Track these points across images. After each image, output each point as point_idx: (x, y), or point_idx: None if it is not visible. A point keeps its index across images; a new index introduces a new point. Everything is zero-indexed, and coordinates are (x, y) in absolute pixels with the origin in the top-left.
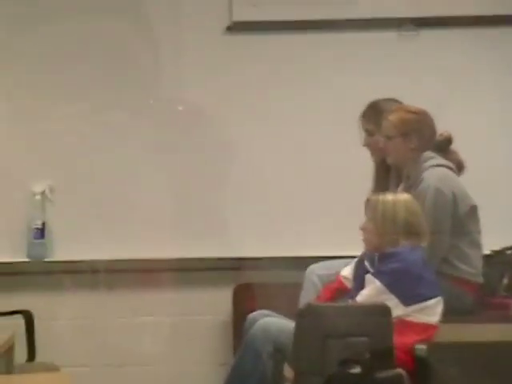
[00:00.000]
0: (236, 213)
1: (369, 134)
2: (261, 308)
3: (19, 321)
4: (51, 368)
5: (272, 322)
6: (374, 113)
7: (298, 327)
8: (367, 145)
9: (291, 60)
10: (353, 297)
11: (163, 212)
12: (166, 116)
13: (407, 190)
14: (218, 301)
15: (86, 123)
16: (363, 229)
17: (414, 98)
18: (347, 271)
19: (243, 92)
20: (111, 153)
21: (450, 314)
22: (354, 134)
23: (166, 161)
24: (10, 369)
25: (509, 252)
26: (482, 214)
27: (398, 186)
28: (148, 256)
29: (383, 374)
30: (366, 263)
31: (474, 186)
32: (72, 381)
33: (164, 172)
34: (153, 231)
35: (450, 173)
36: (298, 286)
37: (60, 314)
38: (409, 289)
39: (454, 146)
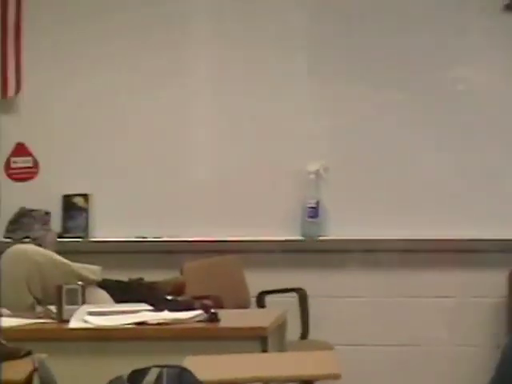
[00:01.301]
0: None
1: None
2: None
3: (293, 299)
4: (324, 346)
5: None
6: None
7: None
8: None
9: None
10: None
11: (448, 189)
12: (447, 96)
13: None
14: (493, 283)
15: (365, 103)
16: None
17: None
18: None
19: None
20: (390, 133)
21: None
22: None
23: (444, 140)
24: (282, 345)
25: None
26: None
27: None
28: (430, 236)
29: None
30: None
31: None
32: (344, 360)
33: (446, 151)
34: (436, 210)
35: None
36: None
37: (333, 293)
38: None
39: None
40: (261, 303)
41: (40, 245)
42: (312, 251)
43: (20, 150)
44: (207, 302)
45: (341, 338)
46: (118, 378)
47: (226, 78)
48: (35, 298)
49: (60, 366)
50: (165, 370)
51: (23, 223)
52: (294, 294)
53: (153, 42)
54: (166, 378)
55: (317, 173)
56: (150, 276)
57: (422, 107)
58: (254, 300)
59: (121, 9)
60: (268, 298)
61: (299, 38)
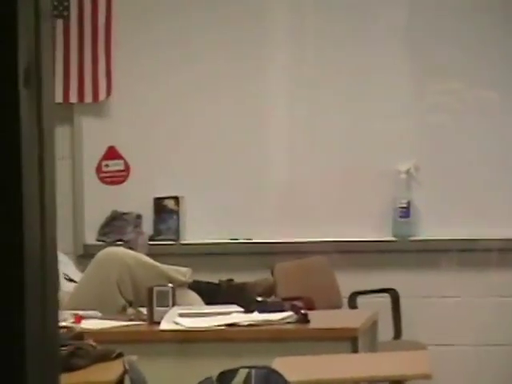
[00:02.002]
0: None
1: None
2: None
3: (385, 299)
4: (417, 346)
5: None
6: None
7: None
8: None
9: None
10: None
11: None
12: None
13: None
14: None
15: (456, 101)
16: None
17: None
18: None
19: None
20: (482, 131)
21: None
22: None
23: None
24: (373, 346)
25: None
26: None
27: None
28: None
29: None
30: None
31: None
32: (438, 360)
33: None
34: None
35: None
36: None
37: (426, 293)
38: None
39: None
40: (352, 304)
41: (132, 247)
42: (404, 251)
43: (111, 153)
44: (297, 303)
45: (434, 338)
46: (207, 379)
47: (315, 76)
48: (126, 300)
49: (150, 368)
50: (253, 371)
51: (115, 226)
52: (386, 295)
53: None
54: (254, 379)
55: (408, 172)
56: (241, 278)
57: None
58: (345, 301)
59: (204, 8)
60: (360, 299)
61: (390, 36)
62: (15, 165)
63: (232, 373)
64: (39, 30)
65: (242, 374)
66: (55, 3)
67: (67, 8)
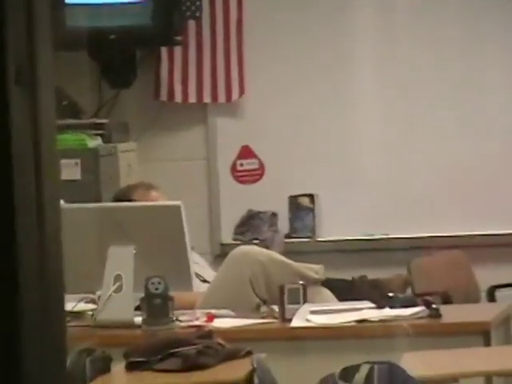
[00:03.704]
0: None
1: None
2: None
3: None
4: None
5: None
6: None
7: None
8: None
9: None
10: None
11: None
12: None
13: None
14: None
15: None
16: None
17: None
18: None
19: None
20: None
21: None
22: None
23: None
24: (508, 339)
25: None
26: None
27: None
28: None
29: None
30: None
31: None
32: None
33: None
34: None
35: None
36: None
37: None
38: None
39: None
40: (491, 298)
41: (268, 246)
42: None
43: (246, 152)
44: (430, 298)
45: None
46: (330, 376)
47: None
48: (260, 298)
49: (280, 365)
50: (375, 366)
51: (251, 225)
52: None
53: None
54: (377, 374)
55: None
56: (376, 274)
57: None
58: (484, 295)
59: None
60: (499, 293)
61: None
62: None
63: (354, 368)
64: (33, 32)
65: (364, 369)
66: (188, 3)
67: (199, 8)
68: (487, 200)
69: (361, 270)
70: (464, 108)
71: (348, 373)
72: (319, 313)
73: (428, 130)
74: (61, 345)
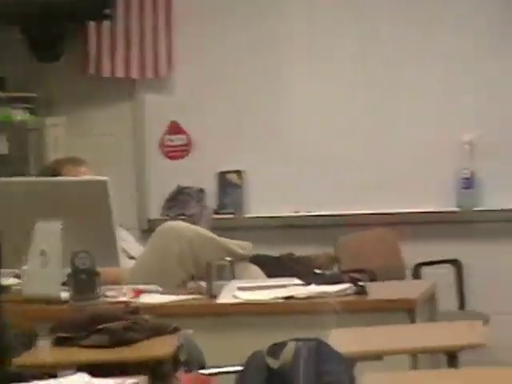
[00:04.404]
0: None
1: None
2: None
3: (449, 270)
4: (479, 316)
5: None
6: None
7: None
8: None
9: None
10: None
11: None
12: None
13: None
14: None
15: None
16: None
17: None
18: None
19: None
20: None
21: None
22: None
23: None
24: (432, 316)
25: None
26: None
27: None
28: None
29: None
30: None
31: None
32: (502, 330)
33: None
34: None
35: None
36: None
37: (490, 263)
38: None
39: None
40: (416, 275)
41: (195, 222)
42: (467, 222)
43: (174, 128)
44: (356, 275)
45: (498, 309)
46: (257, 352)
47: (374, 51)
48: (187, 274)
49: (206, 341)
50: (303, 343)
51: (179, 200)
52: (450, 266)
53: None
54: (304, 351)
55: (471, 143)
56: (303, 251)
57: None
58: (410, 272)
59: None
60: (424, 270)
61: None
62: None
63: (282, 345)
64: None
65: (292, 346)
66: None
67: None
68: (413, 178)
69: (288, 246)
70: (389, 92)
71: (276, 349)
72: (246, 289)
73: (356, 107)
74: None
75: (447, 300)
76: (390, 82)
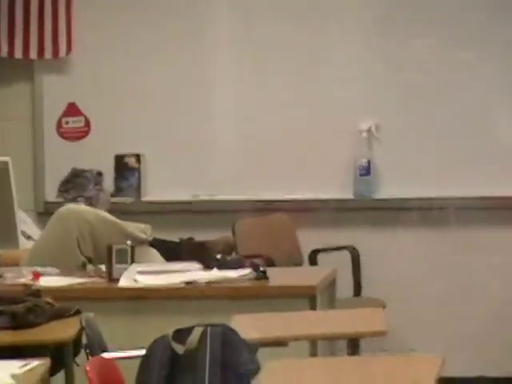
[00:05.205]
0: None
1: None
2: None
3: (346, 257)
4: (376, 303)
5: None
6: None
7: None
8: None
9: None
10: None
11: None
12: None
13: None
14: None
15: (419, 60)
16: None
17: None
18: None
19: None
20: (443, 90)
21: None
22: None
23: None
24: (332, 303)
25: None
26: None
27: None
28: (484, 193)
29: None
30: None
31: None
32: (397, 317)
33: (499, 110)
34: (489, 168)
35: None
36: None
37: (386, 251)
38: None
39: None
40: (313, 261)
41: (92, 205)
42: (364, 209)
43: (72, 109)
44: (257, 260)
45: (394, 295)
46: (163, 337)
47: (269, 38)
48: (86, 256)
49: (108, 325)
50: (208, 328)
51: (76, 183)
52: (347, 252)
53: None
54: (209, 337)
55: (369, 131)
56: (202, 235)
57: (482, 64)
58: (306, 259)
59: None
60: (320, 257)
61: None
62: None
63: (187, 331)
64: None
65: (197, 331)
66: None
67: None
68: (310, 166)
69: (187, 231)
70: (281, 78)
71: (181, 335)
72: (147, 273)
73: (253, 95)
74: None
75: (343, 287)
76: (283, 69)
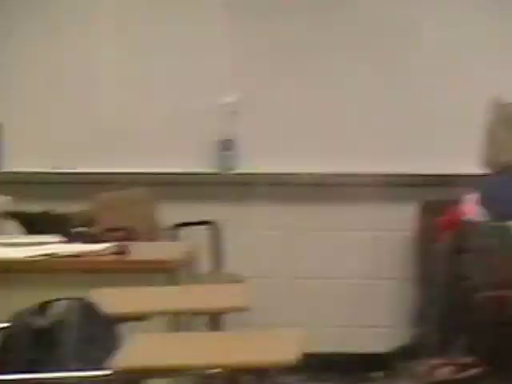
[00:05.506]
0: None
1: None
2: None
3: (207, 231)
4: (236, 279)
5: None
6: None
7: None
8: None
9: None
10: None
11: (363, 125)
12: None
13: None
14: (404, 217)
15: (281, 35)
16: None
17: None
18: None
19: None
20: (303, 66)
21: None
22: None
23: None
24: (193, 278)
25: None
26: None
27: None
28: (343, 170)
29: None
30: None
31: None
32: (257, 292)
33: (361, 87)
34: (350, 145)
35: None
36: None
37: (247, 226)
38: None
39: None
40: (174, 236)
41: None
42: (226, 184)
43: None
44: (119, 234)
45: (253, 271)
46: (24, 311)
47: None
48: None
49: None
50: (70, 302)
51: None
52: (209, 227)
53: None
54: (71, 311)
55: (232, 106)
56: (63, 207)
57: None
58: (166, 233)
59: None
60: (182, 231)
61: None
62: None
63: (48, 304)
64: None
65: (59, 305)
66: None
67: None
68: (172, 140)
69: (49, 203)
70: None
71: (42, 308)
72: (6, 245)
73: (115, 69)
74: None
75: (204, 262)
76: (150, 41)
